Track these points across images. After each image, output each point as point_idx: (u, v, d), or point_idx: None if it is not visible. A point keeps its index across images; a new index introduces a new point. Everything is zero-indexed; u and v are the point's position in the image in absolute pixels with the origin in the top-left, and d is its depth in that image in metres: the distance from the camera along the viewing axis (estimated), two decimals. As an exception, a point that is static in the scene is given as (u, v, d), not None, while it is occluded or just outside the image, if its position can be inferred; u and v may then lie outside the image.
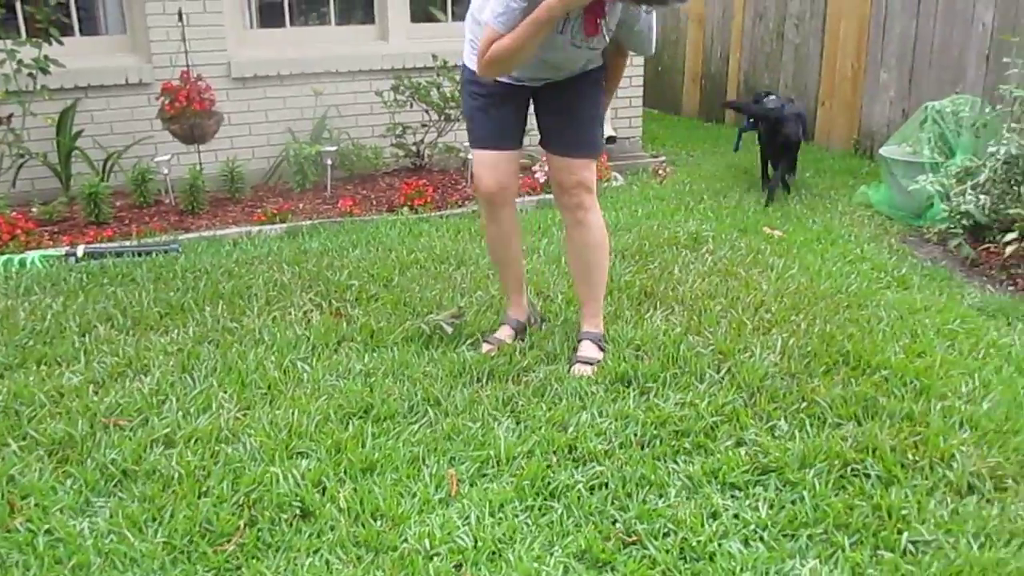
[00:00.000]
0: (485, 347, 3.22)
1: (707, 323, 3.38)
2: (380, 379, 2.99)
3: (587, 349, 3.14)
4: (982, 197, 4.41)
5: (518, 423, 2.72)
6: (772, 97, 5.84)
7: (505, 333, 3.30)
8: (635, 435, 2.62)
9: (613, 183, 5.78)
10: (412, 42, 5.98)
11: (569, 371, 3.04)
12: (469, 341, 3.26)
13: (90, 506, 2.33)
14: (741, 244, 4.38)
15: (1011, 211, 4.30)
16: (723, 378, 2.95)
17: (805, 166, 6.36)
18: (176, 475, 2.43)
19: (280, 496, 2.32)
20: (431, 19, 6.27)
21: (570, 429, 2.65)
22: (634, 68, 6.69)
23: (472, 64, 2.97)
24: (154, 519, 2.26)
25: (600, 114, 3.19)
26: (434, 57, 5.69)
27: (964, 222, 4.44)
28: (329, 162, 5.45)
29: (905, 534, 2.16)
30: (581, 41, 2.85)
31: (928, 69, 6.07)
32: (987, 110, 4.86)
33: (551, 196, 5.28)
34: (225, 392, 2.89)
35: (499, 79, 2.95)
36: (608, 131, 6.50)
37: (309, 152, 5.44)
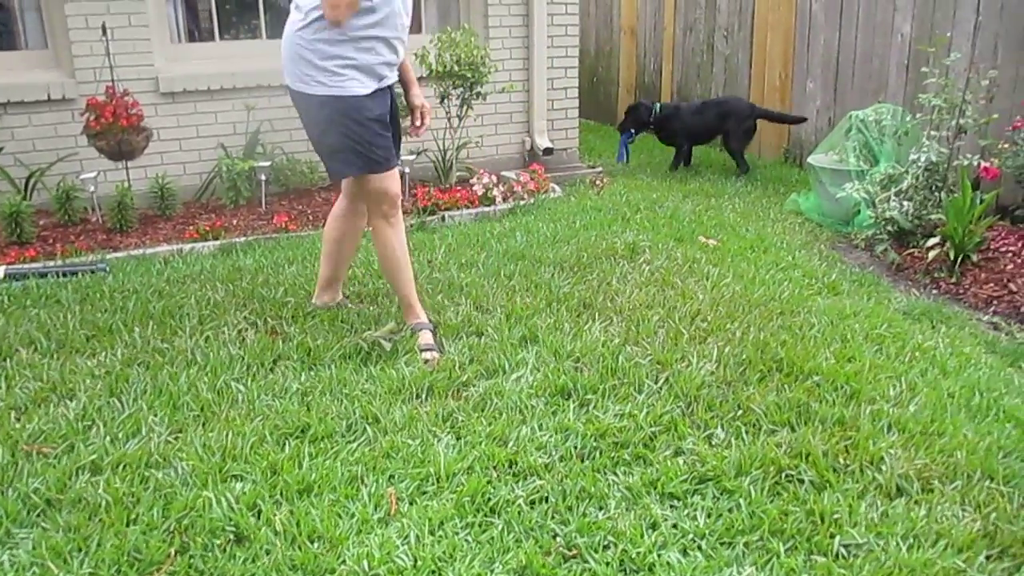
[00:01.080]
0: (427, 356, 3.22)
1: (645, 333, 3.41)
2: (317, 398, 2.94)
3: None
4: (905, 203, 4.55)
5: (458, 439, 2.70)
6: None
7: (430, 337, 3.33)
8: (575, 448, 2.63)
9: (551, 195, 5.80)
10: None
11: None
12: (407, 356, 3.24)
13: (11, 537, 2.24)
14: (677, 254, 4.44)
15: (933, 216, 4.45)
16: (661, 388, 2.98)
17: (738, 175, 6.50)
18: (103, 503, 2.35)
19: (213, 521, 2.27)
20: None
21: (510, 443, 2.65)
22: (568, 80, 6.76)
23: (356, 90, 3.10)
24: (80, 549, 2.18)
25: None
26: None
27: (889, 228, 4.58)
28: (263, 177, 5.37)
29: (838, 538, 2.21)
30: None
31: (852, 79, 6.26)
32: (908, 118, 5.03)
33: (489, 209, 5.31)
34: (155, 415, 2.81)
35: (379, 86, 3.17)
36: (545, 143, 6.55)
37: (242, 167, 5.35)
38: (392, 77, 3.28)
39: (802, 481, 2.45)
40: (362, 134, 3.16)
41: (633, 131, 6.78)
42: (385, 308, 3.72)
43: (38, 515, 2.32)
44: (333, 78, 3.09)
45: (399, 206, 3.36)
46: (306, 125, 3.30)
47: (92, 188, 5.02)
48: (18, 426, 2.74)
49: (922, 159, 4.55)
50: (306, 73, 3.11)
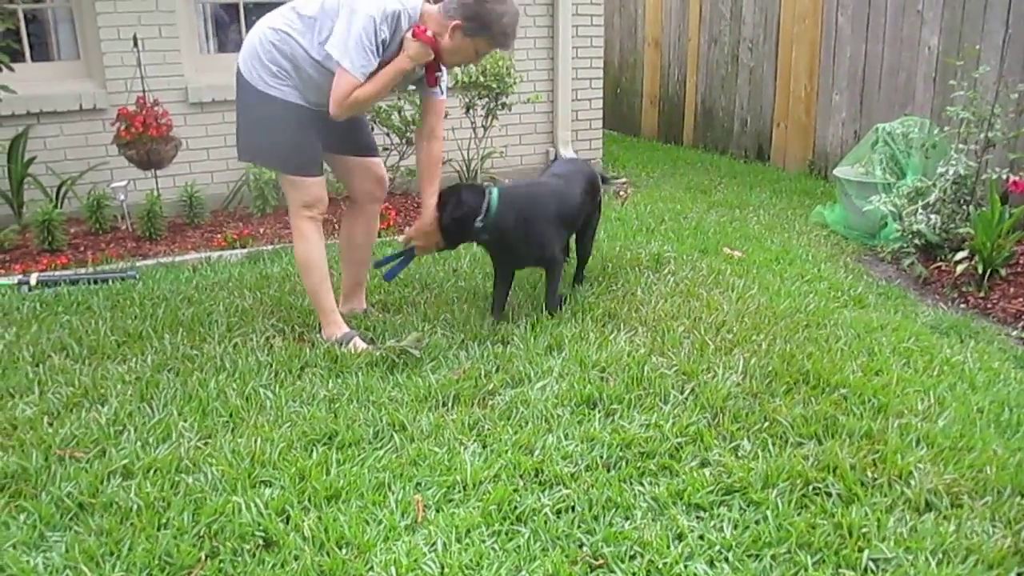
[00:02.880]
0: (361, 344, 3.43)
1: (670, 344, 3.41)
2: (344, 405, 2.96)
3: None
4: (933, 217, 4.52)
5: (484, 447, 2.71)
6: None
7: (358, 342, 3.46)
8: (601, 457, 2.63)
9: (574, 205, 5.80)
10: (372, 66, 5.98)
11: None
12: (432, 364, 3.26)
13: (45, 541, 2.27)
14: (702, 265, 4.44)
15: (961, 230, 4.42)
16: (687, 399, 2.97)
17: (763, 187, 6.48)
18: (135, 507, 2.38)
19: (242, 526, 2.29)
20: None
21: (536, 452, 2.65)
22: (593, 91, 6.78)
23: (288, 95, 3.27)
24: (112, 553, 2.20)
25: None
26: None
27: (916, 241, 4.55)
28: (289, 186, 5.41)
29: (866, 552, 2.19)
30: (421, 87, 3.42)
31: (878, 91, 6.23)
32: (935, 131, 5.00)
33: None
34: (185, 421, 2.85)
35: (309, 106, 3.32)
36: (569, 153, 6.57)
37: (269, 176, 5.41)
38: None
39: (829, 494, 2.44)
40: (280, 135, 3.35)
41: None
42: (408, 317, 3.74)
43: (71, 519, 2.36)
44: (274, 79, 3.29)
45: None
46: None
47: (122, 197, 5.10)
48: (51, 431, 2.78)
49: (950, 172, 4.52)
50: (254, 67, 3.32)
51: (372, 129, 5.61)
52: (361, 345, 3.41)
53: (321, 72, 3.23)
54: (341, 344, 3.42)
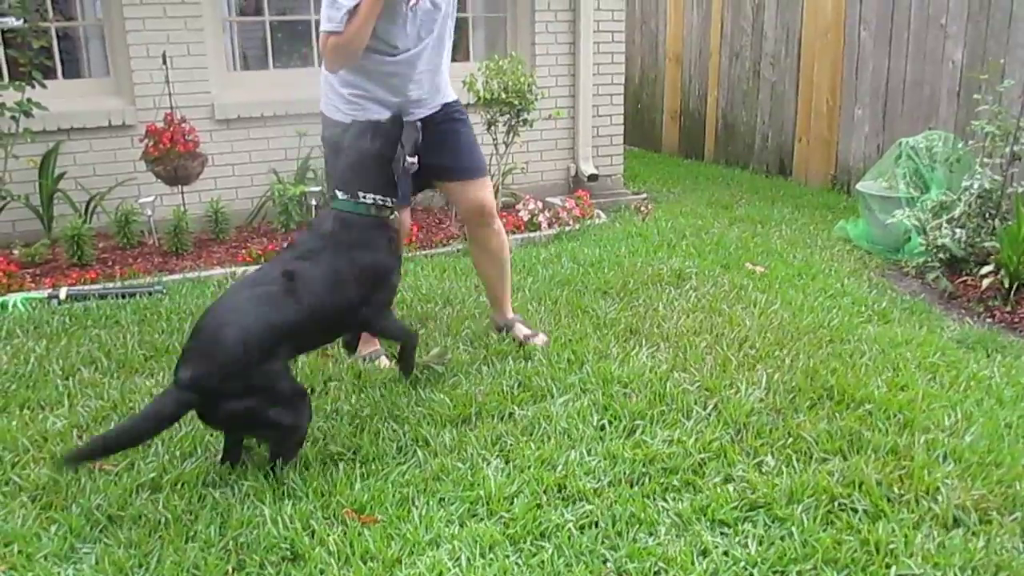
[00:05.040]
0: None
1: (692, 360, 3.40)
2: (368, 420, 2.98)
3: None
4: (958, 231, 4.49)
5: (507, 462, 2.72)
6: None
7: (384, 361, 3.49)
8: (624, 473, 2.63)
9: (596, 220, 5.83)
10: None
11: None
12: (454, 380, 3.27)
13: (75, 552, 2.30)
14: (724, 280, 4.43)
15: (986, 244, 4.39)
16: (710, 414, 2.97)
17: (785, 202, 6.45)
18: (163, 520, 2.41)
19: (269, 539, 2.31)
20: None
21: (559, 468, 2.66)
22: (613, 107, 6.80)
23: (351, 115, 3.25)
24: (141, 565, 2.23)
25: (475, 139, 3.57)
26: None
27: (941, 255, 4.52)
28: (314, 202, 5.47)
29: (893, 568, 2.18)
30: (416, 11, 3.18)
31: (901, 106, 6.21)
32: (959, 145, 4.97)
33: (535, 235, 5.35)
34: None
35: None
36: (590, 169, 6.58)
37: (293, 192, 5.46)
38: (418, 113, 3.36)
39: (855, 510, 2.42)
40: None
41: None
42: (431, 332, 3.76)
43: (100, 531, 2.39)
44: (349, 106, 3.28)
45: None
46: (453, 139, 3.45)
47: (150, 212, 5.17)
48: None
49: (975, 186, 4.50)
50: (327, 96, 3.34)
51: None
52: (385, 364, 3.44)
53: (377, 59, 3.23)
54: (366, 360, 3.44)
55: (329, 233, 2.83)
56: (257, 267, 2.72)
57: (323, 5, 3.13)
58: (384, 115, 3.14)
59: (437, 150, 3.36)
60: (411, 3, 3.16)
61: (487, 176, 3.60)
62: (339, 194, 2.91)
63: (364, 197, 2.88)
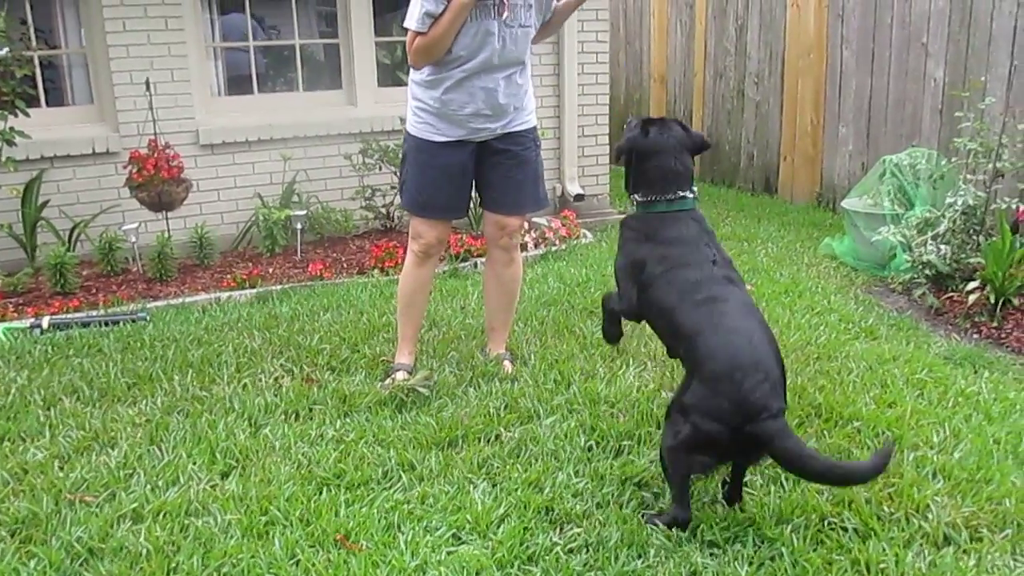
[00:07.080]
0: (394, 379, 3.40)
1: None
2: (353, 445, 2.95)
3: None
4: (943, 247, 4.51)
5: (494, 486, 2.69)
6: None
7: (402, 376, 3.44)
8: (612, 495, 2.60)
9: (583, 240, 5.83)
10: (379, 106, 6.04)
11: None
12: (440, 403, 3.24)
13: (54, 587, 2.26)
14: (710, 298, 4.41)
15: (971, 260, 4.40)
16: (698, 434, 2.94)
17: (770, 219, 6.47)
18: (144, 551, 2.37)
19: (253, 569, 2.27)
20: (398, 83, 6.34)
21: (546, 490, 2.63)
22: (599, 127, 6.82)
23: (422, 132, 3.34)
24: (121, 598, 2.19)
25: (541, 172, 3.64)
26: (402, 120, 5.74)
27: (927, 272, 4.53)
28: (299, 226, 5.46)
29: (885, 588, 2.16)
30: (509, 22, 3.19)
31: (884, 124, 6.25)
32: (943, 162, 5.00)
33: (522, 255, 5.33)
34: (195, 463, 2.84)
35: (447, 137, 3.33)
36: (576, 189, 6.59)
37: (278, 217, 5.44)
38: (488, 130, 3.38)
39: (845, 529, 2.40)
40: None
41: None
42: (416, 355, 3.73)
43: (81, 564, 2.34)
44: (414, 118, 3.38)
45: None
46: (518, 172, 3.55)
47: (133, 239, 5.14)
48: (61, 475, 2.78)
49: (959, 203, 4.52)
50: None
51: (380, 168, 5.70)
52: (400, 379, 3.40)
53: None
54: (387, 372, 3.50)
55: (708, 233, 2.82)
56: (710, 281, 2.70)
57: (410, 9, 3.13)
58: (432, 137, 3.35)
59: (501, 186, 3.55)
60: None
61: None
62: (685, 193, 2.90)
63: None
